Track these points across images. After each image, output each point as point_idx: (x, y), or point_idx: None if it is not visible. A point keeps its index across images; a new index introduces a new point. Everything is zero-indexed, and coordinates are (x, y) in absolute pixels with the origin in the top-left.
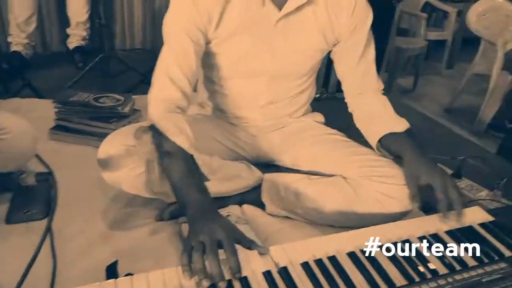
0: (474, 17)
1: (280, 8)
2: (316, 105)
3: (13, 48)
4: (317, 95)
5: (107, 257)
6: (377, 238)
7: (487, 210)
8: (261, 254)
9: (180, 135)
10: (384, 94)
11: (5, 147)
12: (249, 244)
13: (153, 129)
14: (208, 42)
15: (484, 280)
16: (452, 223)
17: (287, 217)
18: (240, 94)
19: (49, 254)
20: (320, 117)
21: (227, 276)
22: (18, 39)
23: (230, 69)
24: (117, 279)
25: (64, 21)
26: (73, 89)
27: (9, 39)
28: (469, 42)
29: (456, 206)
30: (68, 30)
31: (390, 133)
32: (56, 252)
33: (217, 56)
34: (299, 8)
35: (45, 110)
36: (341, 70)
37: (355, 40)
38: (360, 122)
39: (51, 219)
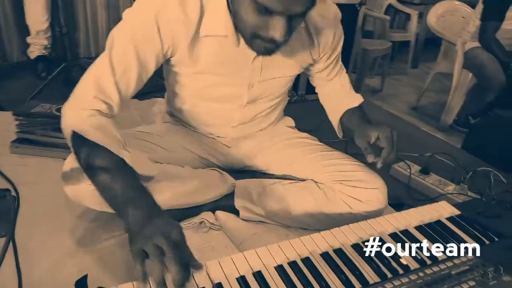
0: (433, 19)
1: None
2: (286, 107)
3: None
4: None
5: (75, 272)
6: (351, 237)
7: (454, 204)
8: (196, 269)
9: (105, 138)
10: None
11: None
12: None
13: (75, 141)
14: (170, 64)
15: (453, 272)
16: (419, 218)
17: (261, 221)
18: (212, 116)
19: (13, 272)
20: (290, 122)
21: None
22: None
23: (201, 94)
24: None
25: (23, 30)
26: (36, 100)
27: None
28: (432, 42)
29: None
30: (28, 39)
31: (347, 110)
32: (21, 270)
33: (184, 79)
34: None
35: (5, 123)
36: (318, 83)
37: (334, 57)
38: (326, 105)
39: (12, 235)
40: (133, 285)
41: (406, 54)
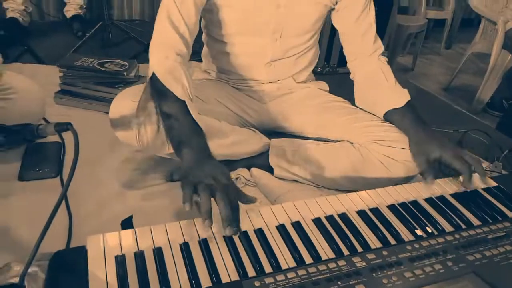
0: None
1: None
2: (318, 79)
3: (9, 14)
4: (319, 69)
5: (121, 213)
6: (387, 199)
7: (490, 177)
8: (249, 202)
9: (172, 84)
10: None
11: (13, 107)
12: (245, 196)
13: (152, 83)
14: None
15: (489, 237)
16: (455, 187)
17: (295, 180)
18: (245, 52)
19: (64, 211)
20: (324, 85)
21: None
22: (14, 5)
23: (235, 25)
24: (137, 228)
25: None
26: (75, 55)
27: (5, 5)
28: (467, 22)
29: (477, 167)
30: None
31: (395, 110)
32: (71, 210)
33: (223, 10)
34: None
35: (48, 75)
36: (341, 30)
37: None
38: (361, 95)
39: (71, 176)
40: (180, 224)
41: (440, 34)
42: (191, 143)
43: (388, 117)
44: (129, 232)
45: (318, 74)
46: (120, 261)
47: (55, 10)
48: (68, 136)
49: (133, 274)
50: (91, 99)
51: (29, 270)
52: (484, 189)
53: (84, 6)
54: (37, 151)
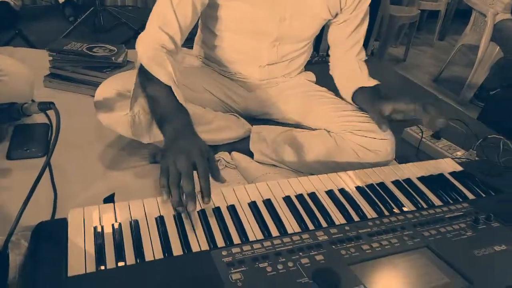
0: None
1: None
2: (307, 68)
3: None
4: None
5: (104, 191)
6: (356, 180)
7: (458, 163)
8: (219, 181)
9: (159, 71)
10: (375, 61)
11: (3, 88)
12: (216, 174)
13: (140, 71)
14: None
15: (447, 216)
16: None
17: (273, 165)
18: (242, 52)
19: (49, 188)
20: (311, 76)
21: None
22: None
23: (236, 26)
24: (116, 203)
25: None
26: (65, 40)
27: None
28: (462, 13)
29: (430, 109)
30: None
31: (361, 88)
32: (56, 186)
33: (222, 8)
34: None
35: (38, 59)
36: (333, 37)
37: (354, 15)
38: (339, 80)
39: (51, 154)
40: (157, 200)
41: (434, 25)
42: (173, 120)
43: (356, 98)
44: (108, 206)
45: (308, 64)
46: (98, 232)
47: None
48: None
49: (110, 244)
50: (79, 83)
51: (13, 238)
52: (450, 173)
53: None
54: (25, 132)
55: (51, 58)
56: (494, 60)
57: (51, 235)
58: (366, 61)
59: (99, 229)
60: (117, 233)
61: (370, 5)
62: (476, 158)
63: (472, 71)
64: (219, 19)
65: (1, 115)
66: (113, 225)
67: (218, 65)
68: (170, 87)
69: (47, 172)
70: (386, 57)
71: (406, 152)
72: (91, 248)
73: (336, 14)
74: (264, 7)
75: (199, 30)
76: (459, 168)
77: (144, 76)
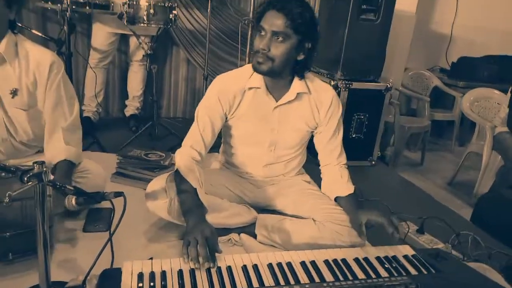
0: (467, 104)
1: (277, 100)
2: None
3: (85, 114)
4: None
5: (145, 257)
6: (325, 256)
7: (415, 249)
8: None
9: (189, 175)
10: (389, 166)
11: (86, 182)
12: (217, 248)
13: (176, 173)
14: (227, 120)
15: (386, 284)
16: (383, 251)
17: (272, 245)
18: (248, 157)
19: (109, 253)
20: (307, 177)
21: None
22: (89, 108)
23: (241, 139)
24: (153, 260)
25: (124, 94)
26: (129, 147)
27: (83, 108)
28: None
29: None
30: (126, 102)
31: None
32: (114, 252)
33: (233, 129)
34: (289, 102)
35: (108, 161)
36: (317, 144)
37: (329, 126)
38: (323, 187)
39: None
40: (179, 260)
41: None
42: (193, 212)
43: (338, 201)
44: (148, 261)
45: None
46: (140, 275)
47: (117, 110)
48: (117, 204)
49: (146, 283)
50: (136, 179)
51: (88, 277)
52: (403, 256)
53: (140, 107)
54: (95, 213)
55: (118, 160)
56: (498, 166)
57: (111, 277)
58: (373, 165)
59: (140, 274)
60: (151, 277)
61: (372, 119)
62: (452, 251)
63: (479, 177)
64: (232, 135)
65: (89, 199)
66: (149, 272)
67: (234, 167)
68: (195, 189)
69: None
70: (404, 162)
71: (392, 243)
72: (135, 285)
73: (315, 127)
74: (260, 122)
75: (222, 144)
76: (412, 252)
77: (179, 178)
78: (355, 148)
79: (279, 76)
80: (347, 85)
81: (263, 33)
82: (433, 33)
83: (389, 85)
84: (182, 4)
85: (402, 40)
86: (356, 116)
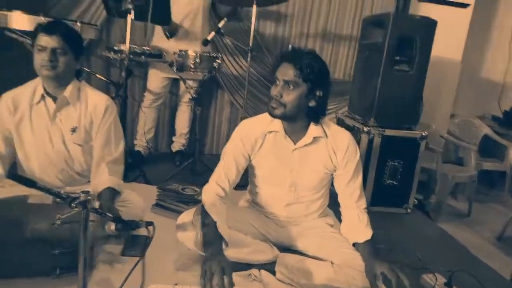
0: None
1: (295, 143)
2: None
3: (136, 148)
4: None
5: (172, 282)
6: None
7: None
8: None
9: (211, 210)
10: (431, 215)
11: (127, 211)
12: (231, 280)
13: (202, 207)
14: (251, 160)
15: None
16: None
17: (290, 284)
18: (270, 196)
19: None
20: (330, 220)
21: None
22: (141, 142)
23: (264, 178)
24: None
25: (172, 131)
26: (170, 181)
27: (135, 142)
28: None
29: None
30: (174, 138)
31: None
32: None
33: (256, 169)
34: (307, 145)
35: (150, 193)
36: (336, 186)
37: (346, 170)
38: (342, 230)
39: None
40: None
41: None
42: (212, 245)
43: (355, 246)
44: (172, 285)
45: None
46: None
47: (166, 145)
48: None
49: None
50: (172, 211)
51: None
52: None
53: (186, 144)
54: (134, 239)
55: (158, 193)
56: None
57: None
58: (409, 213)
59: None
60: None
61: (408, 163)
62: None
63: None
64: (256, 175)
65: (125, 226)
66: None
67: (259, 206)
68: (215, 224)
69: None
70: (449, 211)
71: None
72: None
73: (334, 170)
74: (280, 163)
75: (249, 184)
76: None
77: (203, 211)
78: (390, 194)
79: (294, 121)
80: (380, 132)
81: (277, 82)
82: (483, 80)
83: (423, 134)
84: (228, 52)
85: (447, 87)
86: (390, 163)
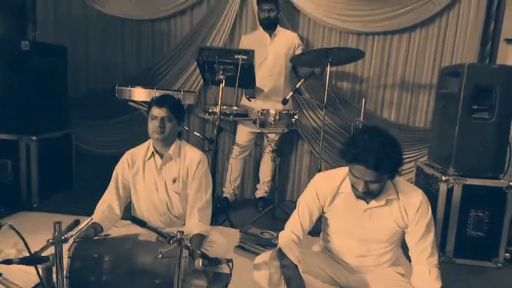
0: None
1: (368, 202)
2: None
3: (224, 195)
4: None
5: None
6: None
7: None
8: None
9: (290, 254)
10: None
11: (212, 251)
12: None
13: (279, 250)
14: (324, 212)
15: None
16: None
17: None
18: (342, 246)
19: None
20: (401, 270)
21: None
22: (229, 190)
23: (335, 230)
24: None
25: (256, 179)
26: (252, 225)
27: (223, 189)
28: None
29: None
30: (257, 185)
31: None
32: None
33: (328, 220)
34: (379, 206)
35: (233, 235)
36: (408, 241)
37: (418, 228)
38: (413, 282)
39: None
40: None
41: None
42: (294, 282)
43: None
44: None
45: None
46: None
47: (250, 192)
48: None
49: None
50: (252, 253)
51: None
52: None
53: (268, 191)
54: (217, 276)
55: (240, 236)
56: None
57: None
58: (499, 268)
59: None
60: None
61: (494, 213)
62: None
63: None
64: (328, 225)
65: (210, 262)
66: None
67: (330, 253)
68: (295, 265)
69: None
70: None
71: None
72: None
73: (405, 227)
74: (351, 220)
75: (321, 232)
76: None
77: (281, 254)
78: (476, 246)
79: None
80: (461, 181)
81: (357, 177)
82: None
83: (511, 183)
84: (308, 106)
85: None
86: (474, 213)
